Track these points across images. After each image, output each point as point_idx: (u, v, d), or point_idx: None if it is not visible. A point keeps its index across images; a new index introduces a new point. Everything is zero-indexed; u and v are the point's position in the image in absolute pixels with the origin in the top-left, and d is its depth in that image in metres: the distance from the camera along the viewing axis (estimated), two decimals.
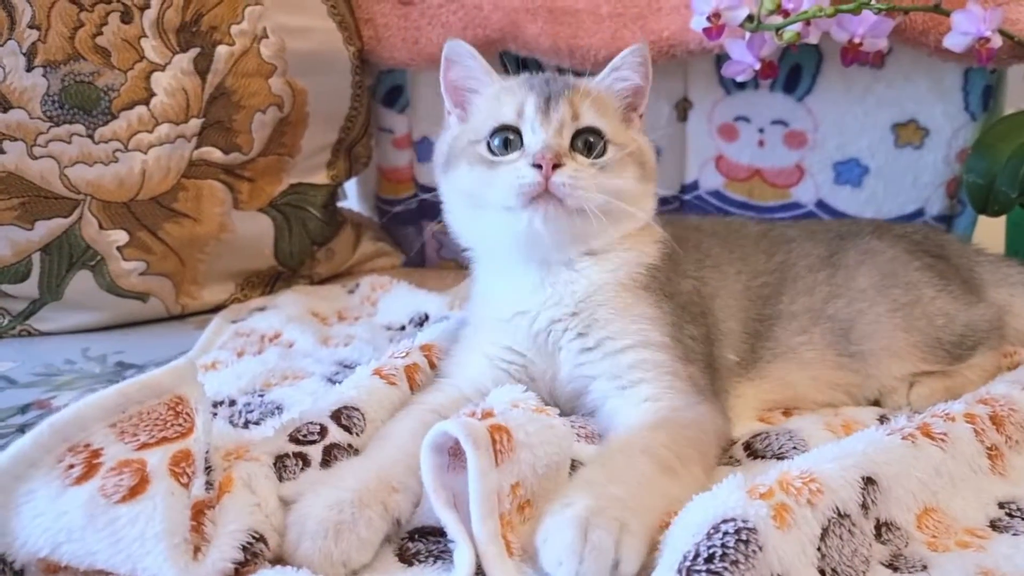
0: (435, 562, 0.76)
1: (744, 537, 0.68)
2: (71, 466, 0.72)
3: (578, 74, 1.47)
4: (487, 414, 0.81)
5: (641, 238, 1.06)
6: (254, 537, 0.74)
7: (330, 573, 0.73)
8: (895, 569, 0.76)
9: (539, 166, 0.95)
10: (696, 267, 1.11)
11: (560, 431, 0.85)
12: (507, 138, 1.02)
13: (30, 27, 1.30)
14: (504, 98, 1.05)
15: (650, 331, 1.00)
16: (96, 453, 0.73)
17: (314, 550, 0.74)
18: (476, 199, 1.04)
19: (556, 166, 0.96)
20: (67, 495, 0.70)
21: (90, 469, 0.72)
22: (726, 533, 0.69)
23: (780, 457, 0.94)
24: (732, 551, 0.67)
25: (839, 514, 0.76)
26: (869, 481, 0.80)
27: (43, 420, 0.73)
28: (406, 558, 0.78)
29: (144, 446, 0.75)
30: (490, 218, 1.02)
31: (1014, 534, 0.82)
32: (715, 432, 0.94)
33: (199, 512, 0.75)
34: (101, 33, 1.35)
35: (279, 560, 0.75)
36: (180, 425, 0.78)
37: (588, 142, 1.01)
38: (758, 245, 1.19)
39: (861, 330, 1.11)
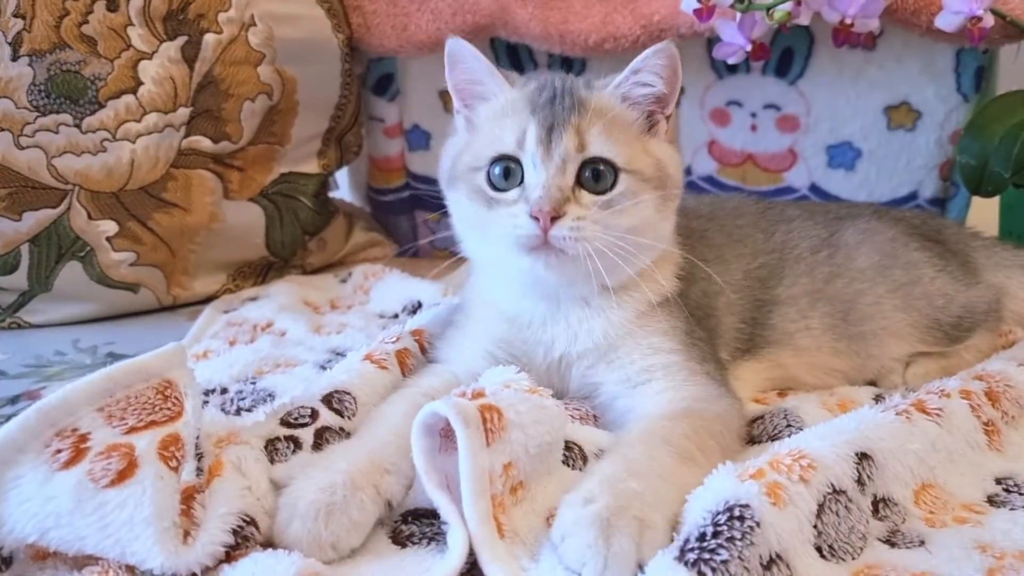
0: (429, 544, 0.76)
1: (738, 514, 0.68)
2: (58, 451, 0.71)
3: (568, 64, 1.44)
4: (478, 394, 0.81)
5: (660, 268, 1.00)
6: (245, 520, 0.73)
7: (319, 556, 0.73)
8: (893, 545, 0.76)
9: (537, 218, 0.89)
10: (702, 266, 1.06)
11: (552, 411, 0.84)
12: (508, 167, 0.94)
13: (15, 16, 1.29)
14: (505, 121, 0.96)
15: (662, 342, 0.97)
16: (84, 438, 0.72)
17: (303, 532, 0.73)
18: (478, 231, 0.99)
19: (556, 217, 0.88)
20: (55, 480, 0.70)
21: (78, 454, 0.71)
22: (718, 513, 0.68)
23: (775, 438, 0.94)
24: (725, 528, 0.67)
25: (834, 490, 0.75)
26: (864, 456, 0.80)
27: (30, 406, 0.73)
28: (400, 540, 0.77)
29: (132, 430, 0.74)
30: (494, 251, 0.98)
31: (1011, 509, 0.82)
32: (737, 429, 0.91)
33: (189, 496, 0.75)
34: (87, 22, 1.33)
35: (270, 543, 0.75)
36: (169, 409, 0.77)
37: (597, 172, 0.92)
38: (757, 224, 1.17)
39: (861, 311, 1.10)
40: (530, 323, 1.00)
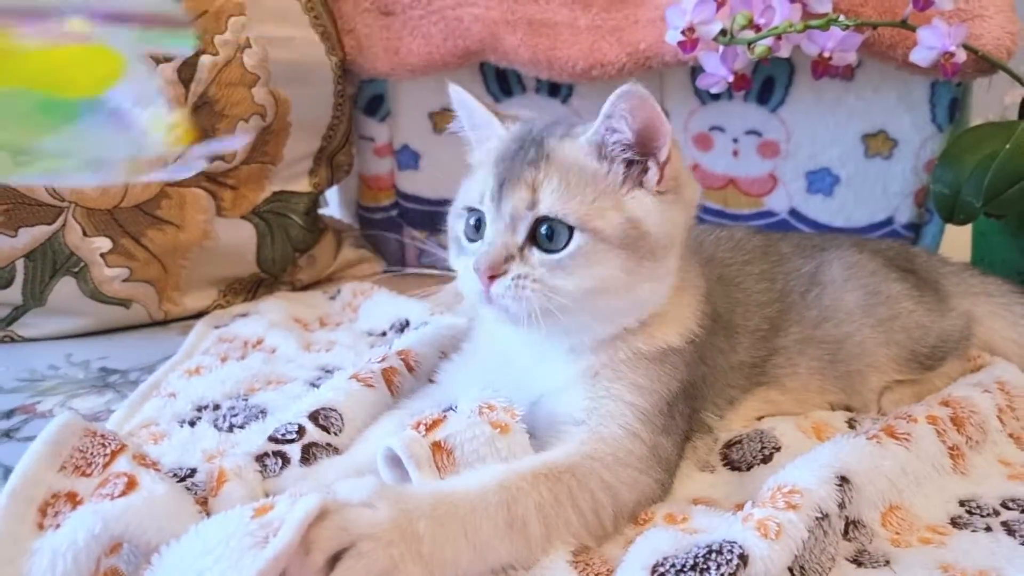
0: None
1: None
2: (57, 513, 0.73)
3: (555, 89, 1.46)
4: (434, 425, 0.84)
5: (662, 328, 0.95)
6: None
7: None
8: (859, 564, 0.80)
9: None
10: (724, 336, 1.05)
11: (503, 443, 0.85)
12: (479, 219, 0.93)
13: None
14: (481, 171, 0.95)
15: (625, 391, 0.92)
16: (71, 495, 0.75)
17: None
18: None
19: (494, 276, 0.87)
20: (71, 520, 0.72)
21: (76, 505, 0.74)
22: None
23: (752, 467, 0.98)
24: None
25: (822, 515, 0.78)
26: (844, 480, 0.83)
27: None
28: None
29: (106, 466, 0.78)
30: None
31: (973, 531, 0.85)
32: (631, 511, 0.86)
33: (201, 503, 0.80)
34: None
35: None
36: (115, 442, 0.81)
37: (551, 230, 0.88)
38: (763, 270, 1.15)
39: (848, 351, 1.12)
40: (520, 364, 0.98)
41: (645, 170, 0.91)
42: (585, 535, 0.81)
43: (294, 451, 0.92)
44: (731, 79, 1.32)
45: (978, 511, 0.88)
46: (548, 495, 0.79)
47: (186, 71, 1.43)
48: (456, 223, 0.97)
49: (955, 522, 0.87)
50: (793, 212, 1.67)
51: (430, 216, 1.79)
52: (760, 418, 1.11)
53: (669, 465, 0.92)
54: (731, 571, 0.70)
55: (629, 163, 0.91)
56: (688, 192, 0.96)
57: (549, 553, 0.77)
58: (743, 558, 0.71)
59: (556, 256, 0.88)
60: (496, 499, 0.76)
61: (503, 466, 0.82)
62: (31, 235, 1.38)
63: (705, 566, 0.70)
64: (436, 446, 0.82)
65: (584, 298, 0.88)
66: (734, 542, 0.72)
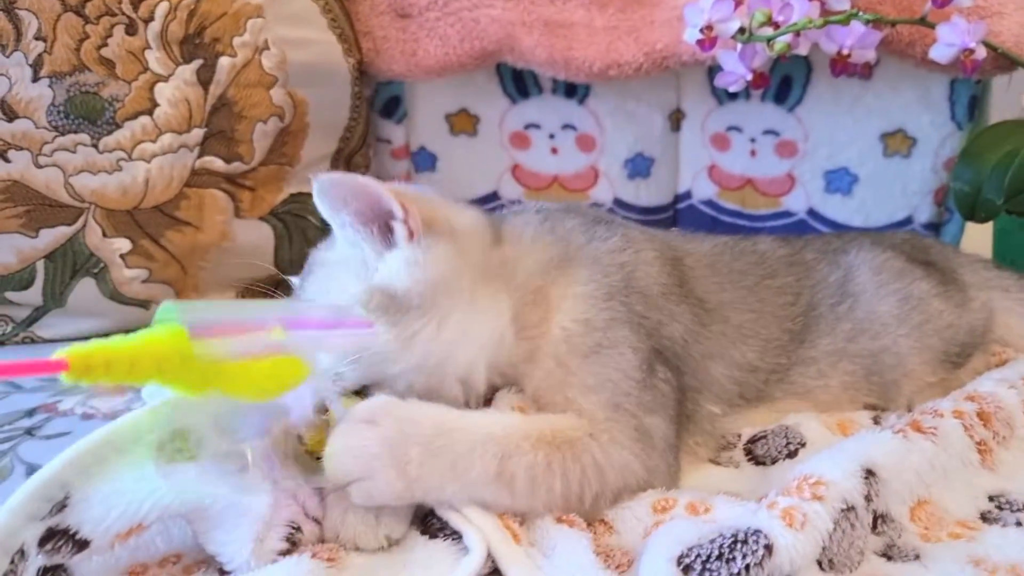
0: (459, 540, 0.79)
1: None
2: None
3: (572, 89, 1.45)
4: None
5: (556, 289, 0.98)
6: (293, 528, 0.79)
7: (374, 545, 0.80)
8: (889, 558, 0.79)
9: None
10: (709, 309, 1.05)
11: None
12: None
13: (36, 39, 1.32)
14: None
15: (619, 380, 0.92)
16: None
17: (360, 523, 0.80)
18: None
19: None
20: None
21: None
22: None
23: (776, 461, 0.98)
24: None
25: (847, 507, 0.78)
26: (870, 473, 0.82)
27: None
28: (429, 530, 0.81)
29: None
30: None
31: (1003, 525, 0.84)
32: (616, 487, 0.87)
33: None
34: (106, 45, 1.37)
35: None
36: None
37: None
38: (784, 286, 1.14)
39: (885, 362, 1.11)
40: None
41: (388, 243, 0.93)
42: (561, 505, 0.83)
43: None
44: (749, 77, 1.32)
45: (1008, 506, 0.87)
46: (542, 460, 0.83)
47: (205, 73, 1.44)
48: None
49: (985, 517, 0.86)
50: (811, 212, 1.67)
51: None
52: None
53: (665, 448, 0.91)
54: (756, 561, 0.69)
55: (384, 230, 0.93)
56: (455, 225, 0.97)
57: (525, 511, 0.82)
58: (768, 548, 0.70)
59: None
60: (493, 450, 0.81)
61: (510, 417, 0.89)
62: (52, 236, 1.39)
63: (731, 556, 0.69)
64: None
65: (412, 370, 0.91)
66: (759, 531, 0.71)
